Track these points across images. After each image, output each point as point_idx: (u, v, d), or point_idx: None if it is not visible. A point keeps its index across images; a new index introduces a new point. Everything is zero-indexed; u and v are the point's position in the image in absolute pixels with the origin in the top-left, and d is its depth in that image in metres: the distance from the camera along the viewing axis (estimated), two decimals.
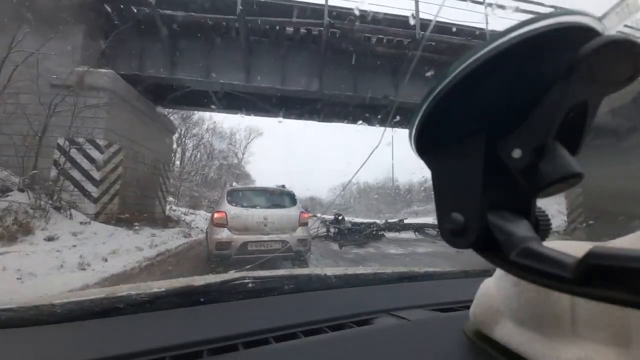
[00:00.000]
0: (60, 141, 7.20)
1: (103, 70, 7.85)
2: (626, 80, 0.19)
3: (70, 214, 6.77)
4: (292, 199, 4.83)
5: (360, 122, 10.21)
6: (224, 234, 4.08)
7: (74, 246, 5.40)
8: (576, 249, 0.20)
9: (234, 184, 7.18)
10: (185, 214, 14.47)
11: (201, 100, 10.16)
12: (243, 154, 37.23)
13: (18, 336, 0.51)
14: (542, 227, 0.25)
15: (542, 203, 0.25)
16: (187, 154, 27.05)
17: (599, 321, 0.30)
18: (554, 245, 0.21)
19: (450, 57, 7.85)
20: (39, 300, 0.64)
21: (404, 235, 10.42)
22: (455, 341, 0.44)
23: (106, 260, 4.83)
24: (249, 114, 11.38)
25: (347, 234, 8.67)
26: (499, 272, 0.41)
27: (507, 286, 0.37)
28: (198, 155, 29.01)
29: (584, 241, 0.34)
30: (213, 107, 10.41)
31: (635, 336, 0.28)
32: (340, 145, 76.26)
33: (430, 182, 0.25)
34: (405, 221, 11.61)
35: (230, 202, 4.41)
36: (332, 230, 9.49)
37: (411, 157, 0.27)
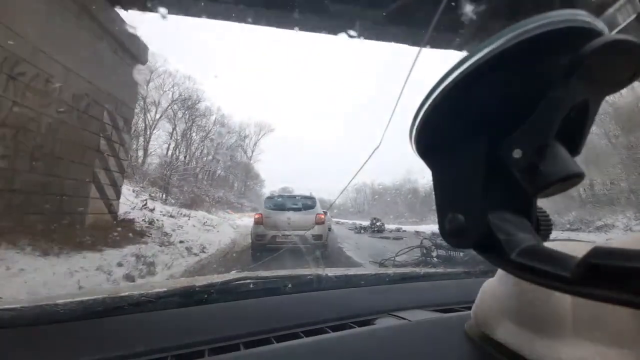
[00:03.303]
0: None
1: None
2: (627, 80, 0.19)
3: None
4: (312, 203, 6.00)
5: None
6: (260, 229, 5.46)
7: None
8: (577, 249, 0.20)
9: (272, 191, 7.44)
10: (170, 216, 8.71)
11: None
12: (252, 151, 34.26)
13: (21, 335, 0.50)
14: (542, 227, 0.24)
15: None
16: (192, 148, 24.69)
17: (600, 322, 0.30)
18: (555, 245, 0.21)
19: None
20: (42, 299, 0.64)
21: None
22: (456, 342, 0.43)
23: None
24: (260, 20, 5.61)
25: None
26: (500, 273, 0.40)
27: (508, 286, 0.37)
28: (205, 150, 26.69)
29: (585, 242, 0.34)
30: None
31: (637, 337, 0.27)
32: (356, 144, 71.07)
33: None
34: None
35: (266, 206, 5.81)
36: (434, 253, 5.42)
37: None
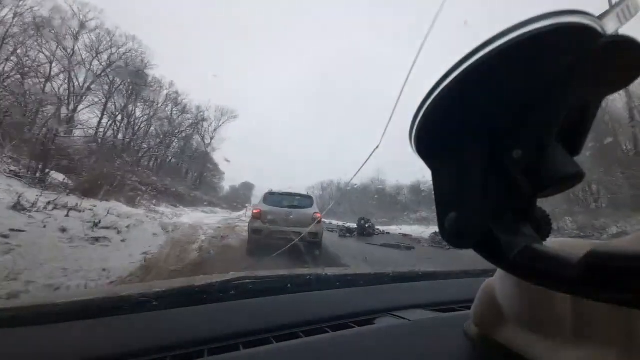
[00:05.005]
0: None
1: None
2: (627, 81, 0.19)
3: None
4: (310, 202, 6.28)
5: None
6: (257, 224, 5.62)
7: None
8: (576, 248, 0.20)
9: (271, 189, 6.75)
10: (18, 209, 4.40)
11: None
12: (212, 138, 29.66)
13: (19, 335, 0.50)
14: (542, 227, 0.24)
15: None
16: (133, 124, 21.39)
17: (600, 321, 0.29)
18: (555, 245, 0.21)
19: None
20: (41, 299, 0.64)
21: None
22: (455, 341, 0.43)
23: None
24: None
25: None
26: (499, 273, 0.40)
27: (508, 286, 0.37)
28: (152, 130, 22.82)
29: (585, 241, 0.33)
30: None
31: (637, 337, 0.27)
32: (323, 142, 68.06)
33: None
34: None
35: (265, 202, 5.98)
36: None
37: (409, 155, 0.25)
